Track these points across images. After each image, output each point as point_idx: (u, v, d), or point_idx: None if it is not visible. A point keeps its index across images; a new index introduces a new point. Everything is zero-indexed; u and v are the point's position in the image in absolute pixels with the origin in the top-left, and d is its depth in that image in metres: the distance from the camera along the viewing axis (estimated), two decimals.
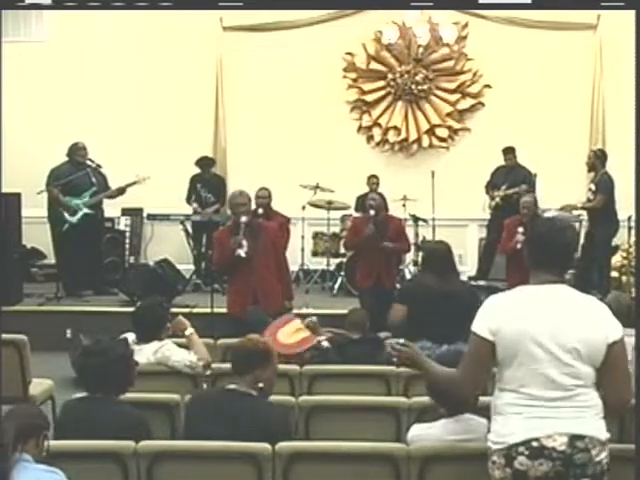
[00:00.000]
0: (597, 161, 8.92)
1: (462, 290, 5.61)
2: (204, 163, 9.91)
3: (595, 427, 2.93)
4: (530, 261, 3.14)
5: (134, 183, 9.01)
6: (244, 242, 6.24)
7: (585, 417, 2.92)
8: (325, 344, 5.20)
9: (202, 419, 3.54)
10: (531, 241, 3.21)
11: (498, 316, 3.00)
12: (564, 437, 2.87)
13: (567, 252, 3.14)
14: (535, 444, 2.88)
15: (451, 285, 5.50)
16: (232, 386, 3.62)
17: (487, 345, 2.97)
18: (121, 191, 9.10)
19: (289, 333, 5.10)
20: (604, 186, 8.69)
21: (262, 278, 6.38)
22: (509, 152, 9.63)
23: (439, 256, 5.68)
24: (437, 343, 5.25)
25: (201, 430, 3.46)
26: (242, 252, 6.24)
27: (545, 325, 2.95)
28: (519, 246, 7.28)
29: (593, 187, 8.85)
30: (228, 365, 4.70)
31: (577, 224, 9.48)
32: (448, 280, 5.53)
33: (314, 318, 5.46)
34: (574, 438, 2.88)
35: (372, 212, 7.45)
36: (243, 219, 6.28)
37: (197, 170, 9.90)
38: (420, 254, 8.76)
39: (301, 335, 5.15)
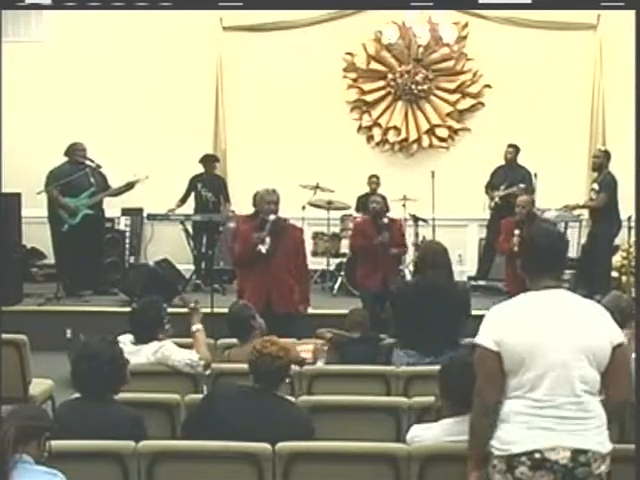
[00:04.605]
0: (605, 161, 8.89)
1: (452, 290, 5.32)
2: (208, 162, 9.82)
3: (598, 441, 2.93)
4: (528, 268, 3.15)
5: (134, 182, 8.98)
6: (267, 239, 6.33)
7: (589, 430, 2.93)
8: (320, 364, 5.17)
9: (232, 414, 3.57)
10: (529, 249, 3.20)
11: (501, 326, 3.00)
12: (567, 451, 2.88)
13: (563, 257, 3.20)
14: (537, 456, 2.88)
15: (440, 285, 5.22)
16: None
17: (493, 356, 2.97)
18: (120, 191, 9.09)
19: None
20: (607, 185, 8.67)
21: (278, 278, 6.40)
22: (512, 146, 9.62)
23: (432, 254, 5.40)
24: (422, 353, 5.05)
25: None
26: (263, 248, 6.31)
27: (552, 330, 2.96)
28: (516, 249, 7.26)
29: (596, 187, 8.83)
30: (228, 365, 4.73)
31: (577, 223, 9.52)
32: (438, 280, 5.24)
33: (323, 346, 5.40)
34: (577, 452, 2.89)
35: (385, 220, 7.58)
36: (271, 217, 6.38)
37: (197, 171, 9.86)
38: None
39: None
